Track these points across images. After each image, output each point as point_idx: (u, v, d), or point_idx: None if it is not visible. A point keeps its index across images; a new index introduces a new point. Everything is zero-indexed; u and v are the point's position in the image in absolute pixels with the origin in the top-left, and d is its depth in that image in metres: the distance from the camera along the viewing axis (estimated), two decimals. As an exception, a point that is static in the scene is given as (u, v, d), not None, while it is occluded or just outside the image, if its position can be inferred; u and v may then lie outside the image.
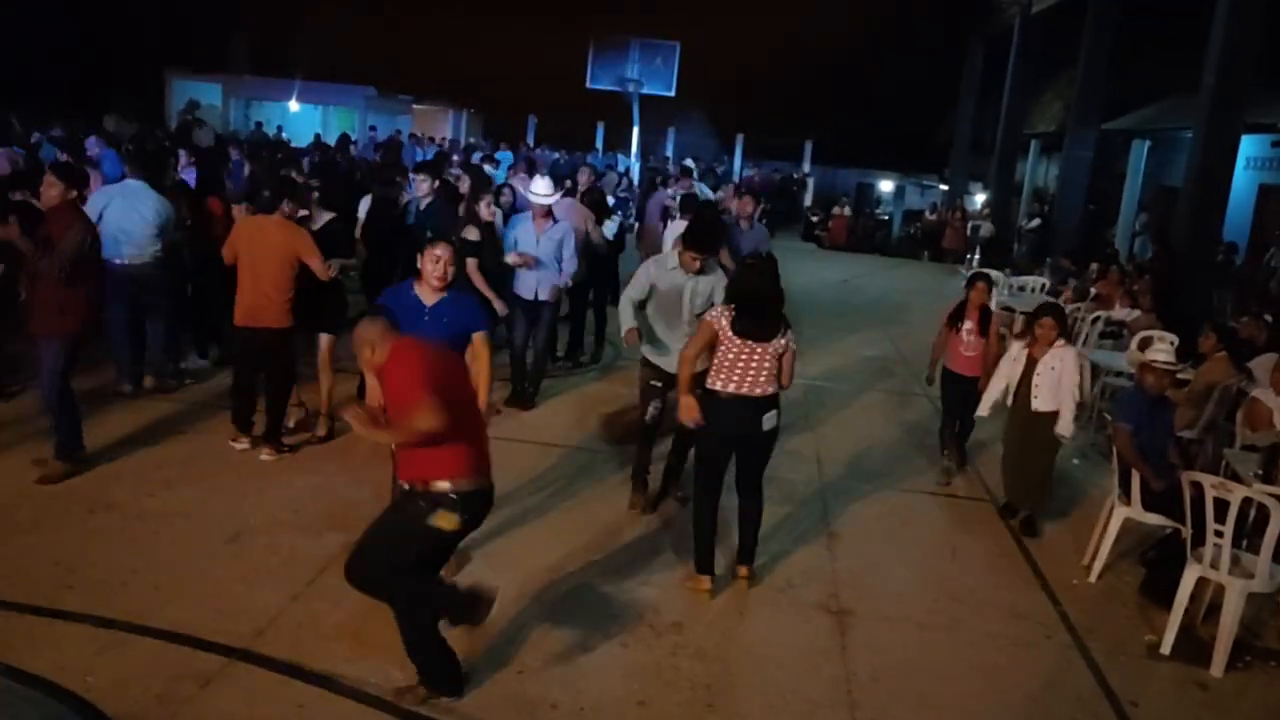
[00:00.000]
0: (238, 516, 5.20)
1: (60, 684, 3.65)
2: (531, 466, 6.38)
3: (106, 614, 4.14)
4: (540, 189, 7.39)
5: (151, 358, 7.21)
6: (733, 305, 4.74)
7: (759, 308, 4.70)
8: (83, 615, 4.12)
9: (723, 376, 4.71)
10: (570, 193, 9.71)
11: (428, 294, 4.63)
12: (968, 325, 6.65)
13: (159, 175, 7.48)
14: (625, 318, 5.68)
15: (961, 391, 6.71)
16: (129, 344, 7.07)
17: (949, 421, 6.92)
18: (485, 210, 7.77)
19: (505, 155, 19.22)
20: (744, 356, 4.67)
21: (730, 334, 4.67)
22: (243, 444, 6.11)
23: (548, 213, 7.37)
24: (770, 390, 4.74)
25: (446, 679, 3.81)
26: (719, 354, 4.73)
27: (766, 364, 4.70)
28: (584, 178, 10.27)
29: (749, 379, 4.68)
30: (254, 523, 5.14)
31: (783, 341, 4.73)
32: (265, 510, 5.31)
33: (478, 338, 4.66)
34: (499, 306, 7.10)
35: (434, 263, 4.59)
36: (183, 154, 9.86)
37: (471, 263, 6.94)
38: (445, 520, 3.59)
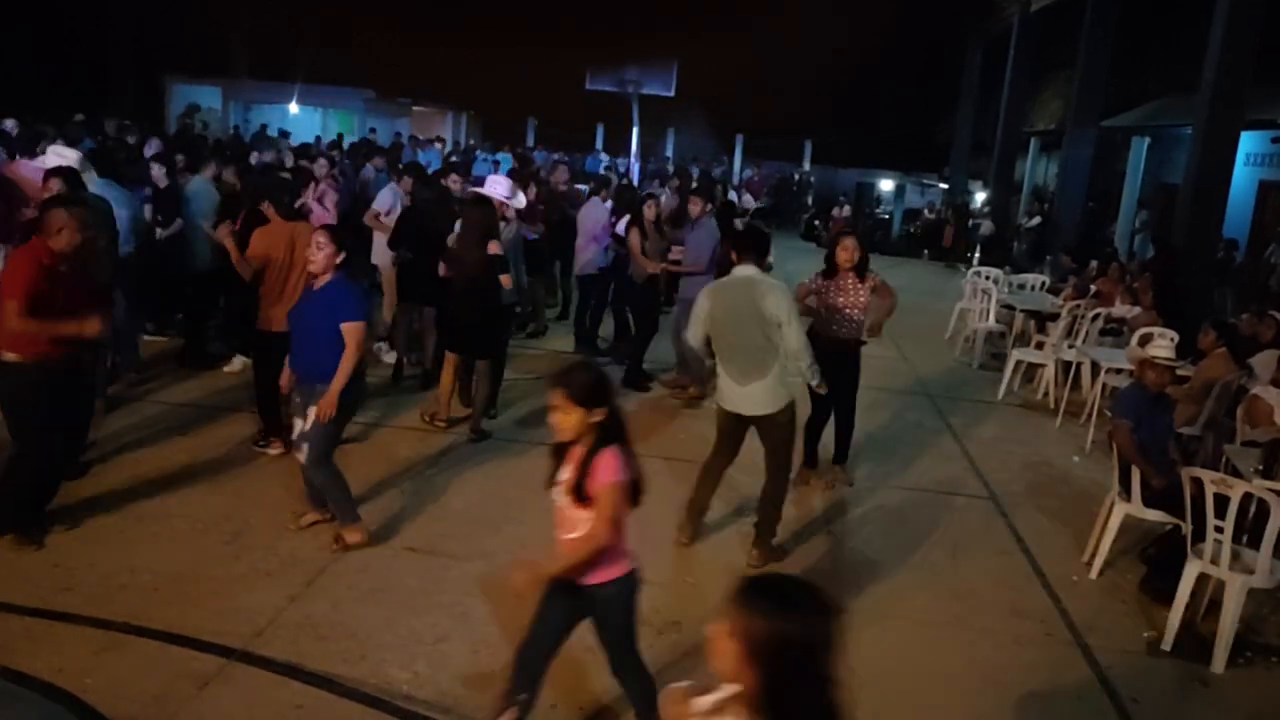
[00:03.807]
0: (237, 517, 5.20)
1: (58, 685, 3.64)
2: (528, 465, 6.37)
3: (105, 615, 4.14)
4: (500, 190, 7.22)
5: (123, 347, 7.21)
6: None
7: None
8: (81, 616, 4.12)
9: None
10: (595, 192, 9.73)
11: (318, 278, 4.89)
12: None
13: (119, 171, 7.51)
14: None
15: None
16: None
17: None
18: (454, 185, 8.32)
19: (505, 157, 19.19)
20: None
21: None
22: (277, 449, 6.07)
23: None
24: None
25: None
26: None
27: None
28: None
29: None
30: (253, 523, 5.14)
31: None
32: (264, 511, 5.31)
33: (343, 327, 4.74)
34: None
35: (306, 246, 4.88)
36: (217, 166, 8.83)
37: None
38: None
